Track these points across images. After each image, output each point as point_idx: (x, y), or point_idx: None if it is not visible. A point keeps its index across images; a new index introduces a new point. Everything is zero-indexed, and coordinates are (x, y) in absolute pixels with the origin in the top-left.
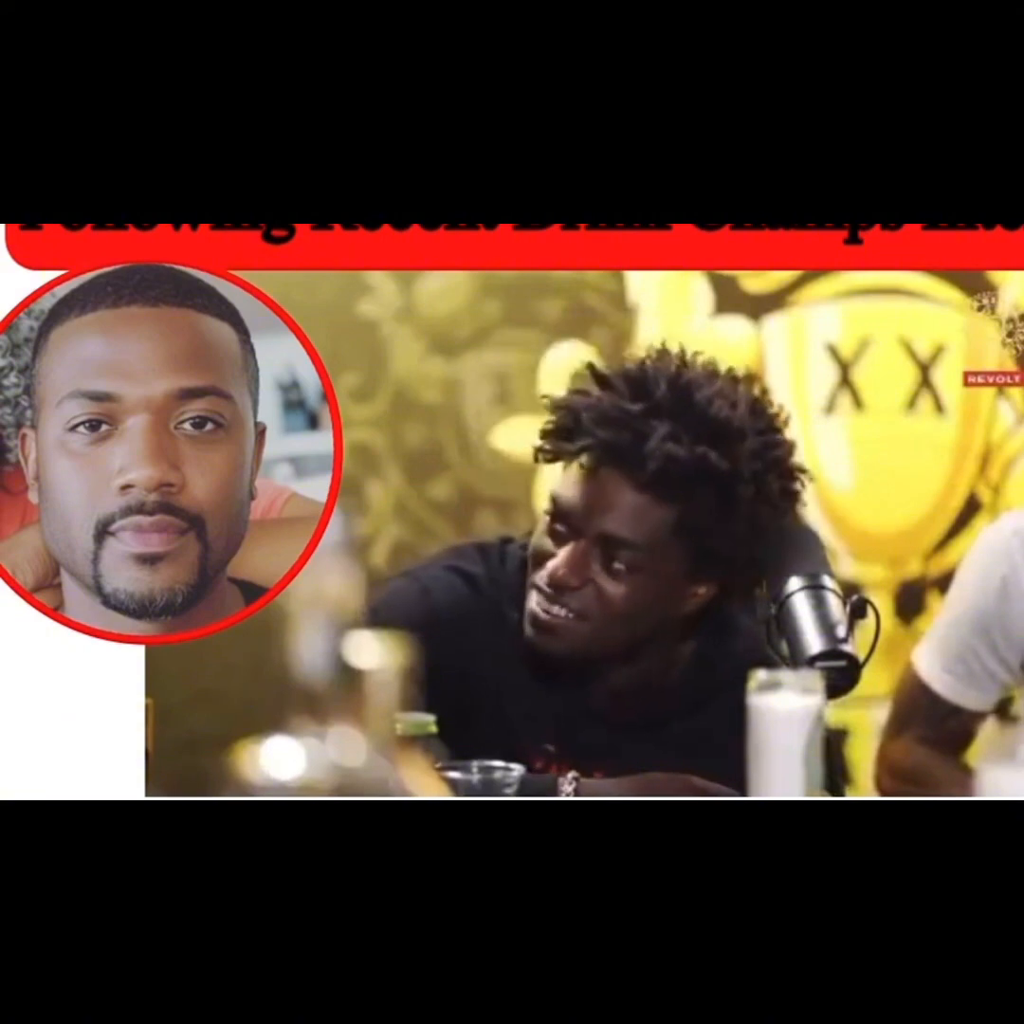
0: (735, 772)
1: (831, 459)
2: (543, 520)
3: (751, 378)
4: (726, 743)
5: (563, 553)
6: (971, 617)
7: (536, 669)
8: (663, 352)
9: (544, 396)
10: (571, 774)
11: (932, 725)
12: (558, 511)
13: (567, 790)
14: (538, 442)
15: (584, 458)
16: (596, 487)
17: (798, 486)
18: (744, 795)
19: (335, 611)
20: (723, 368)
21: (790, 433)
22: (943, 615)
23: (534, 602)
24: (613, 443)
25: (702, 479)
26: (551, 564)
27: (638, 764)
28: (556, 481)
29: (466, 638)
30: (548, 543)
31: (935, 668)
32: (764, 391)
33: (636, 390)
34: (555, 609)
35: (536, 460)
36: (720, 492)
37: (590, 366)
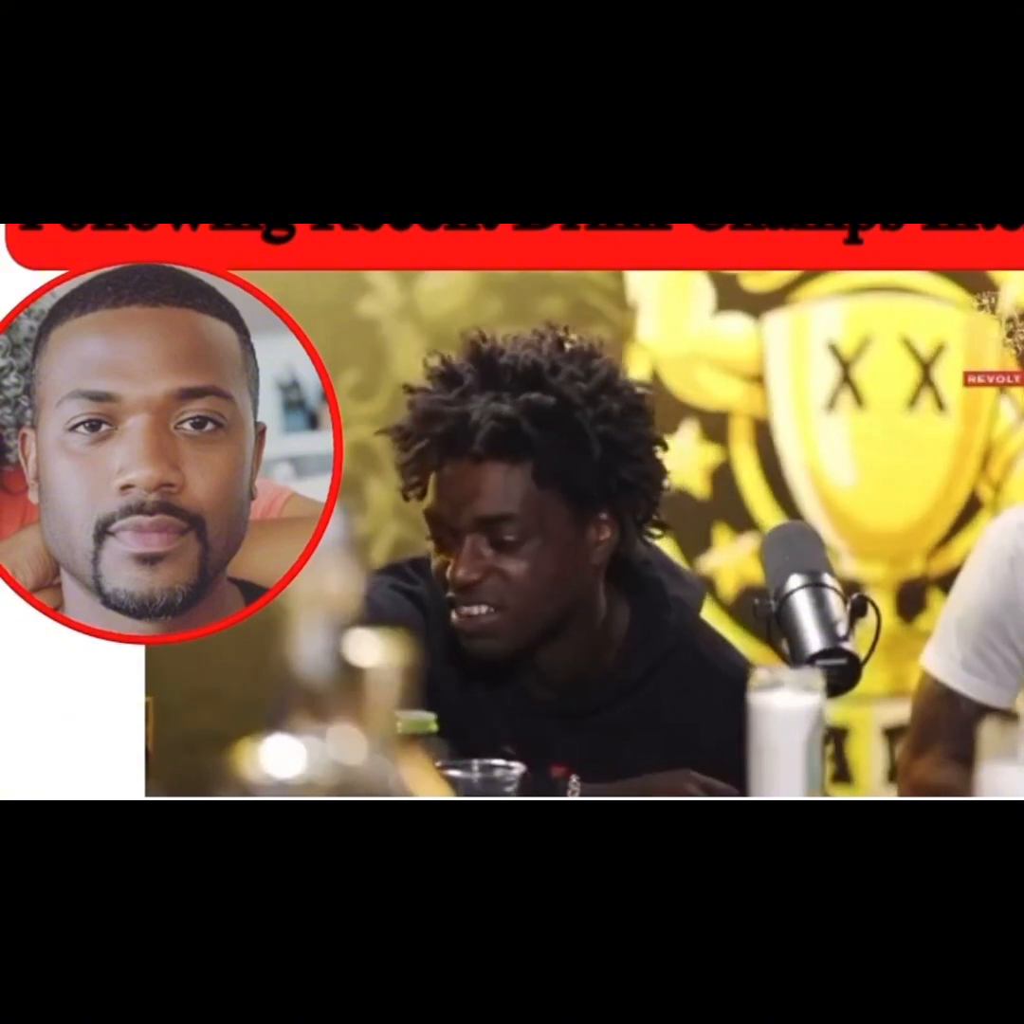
0: (688, 748)
1: (832, 457)
2: (430, 542)
3: (553, 325)
4: (676, 720)
5: (456, 557)
6: (981, 610)
7: (485, 677)
8: (466, 341)
9: (379, 431)
10: (573, 777)
11: (957, 734)
12: (433, 523)
13: (571, 790)
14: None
15: (422, 459)
16: (449, 482)
17: (639, 400)
18: (743, 792)
19: (335, 609)
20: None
21: (608, 356)
22: (950, 616)
23: (454, 617)
24: (443, 434)
25: (537, 423)
26: (450, 572)
27: (600, 753)
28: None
29: (418, 654)
30: (441, 558)
31: (954, 666)
32: (566, 329)
33: (448, 383)
34: (473, 610)
35: (406, 497)
36: (559, 427)
37: (405, 386)
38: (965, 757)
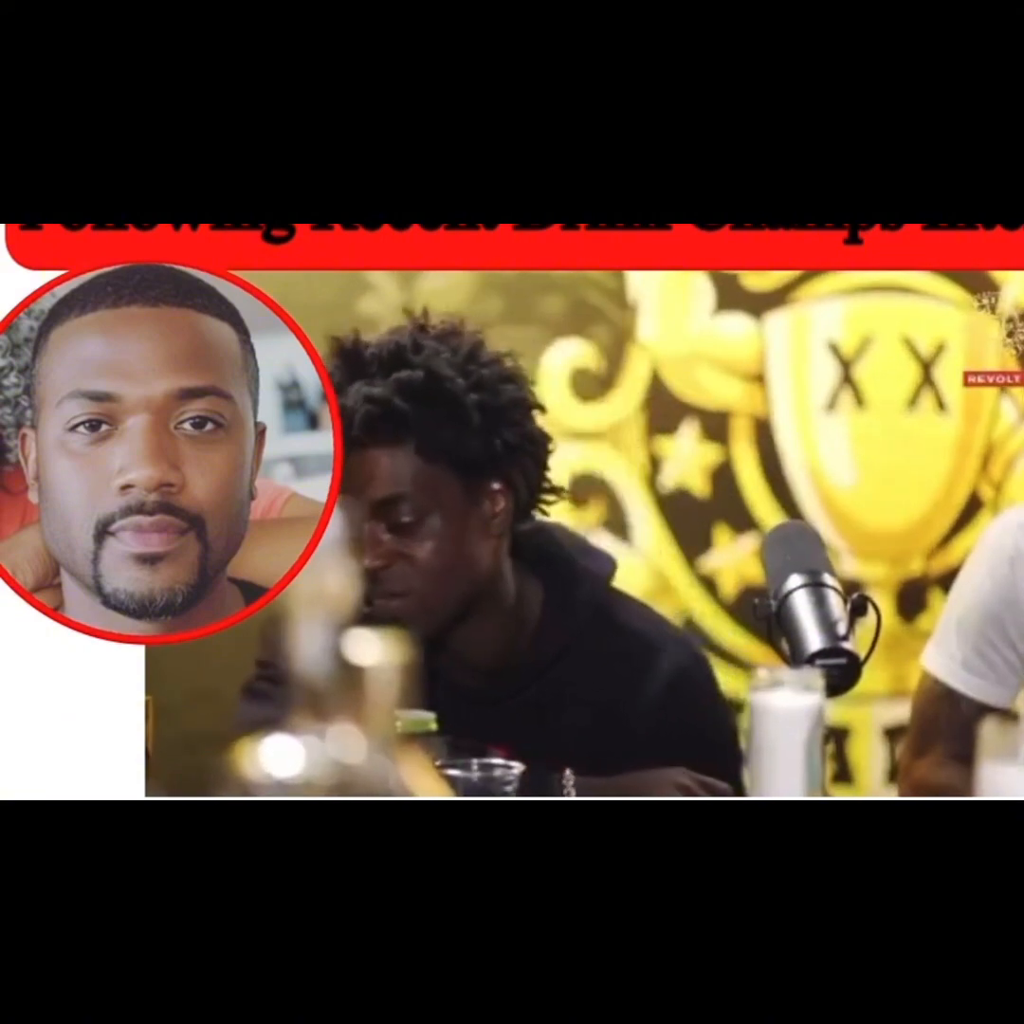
0: (619, 722)
1: (832, 457)
2: None
3: (412, 313)
4: (601, 696)
5: (362, 547)
6: (981, 609)
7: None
8: (330, 341)
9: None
10: (567, 772)
11: (958, 734)
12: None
13: (566, 788)
14: None
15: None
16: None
17: (508, 367)
18: (736, 789)
19: (335, 608)
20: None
21: (471, 330)
22: (952, 613)
23: (366, 611)
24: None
25: (410, 398)
26: (360, 563)
27: (529, 734)
28: None
29: None
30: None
31: (954, 666)
32: (425, 311)
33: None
34: (379, 602)
35: None
36: (434, 400)
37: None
38: (966, 757)
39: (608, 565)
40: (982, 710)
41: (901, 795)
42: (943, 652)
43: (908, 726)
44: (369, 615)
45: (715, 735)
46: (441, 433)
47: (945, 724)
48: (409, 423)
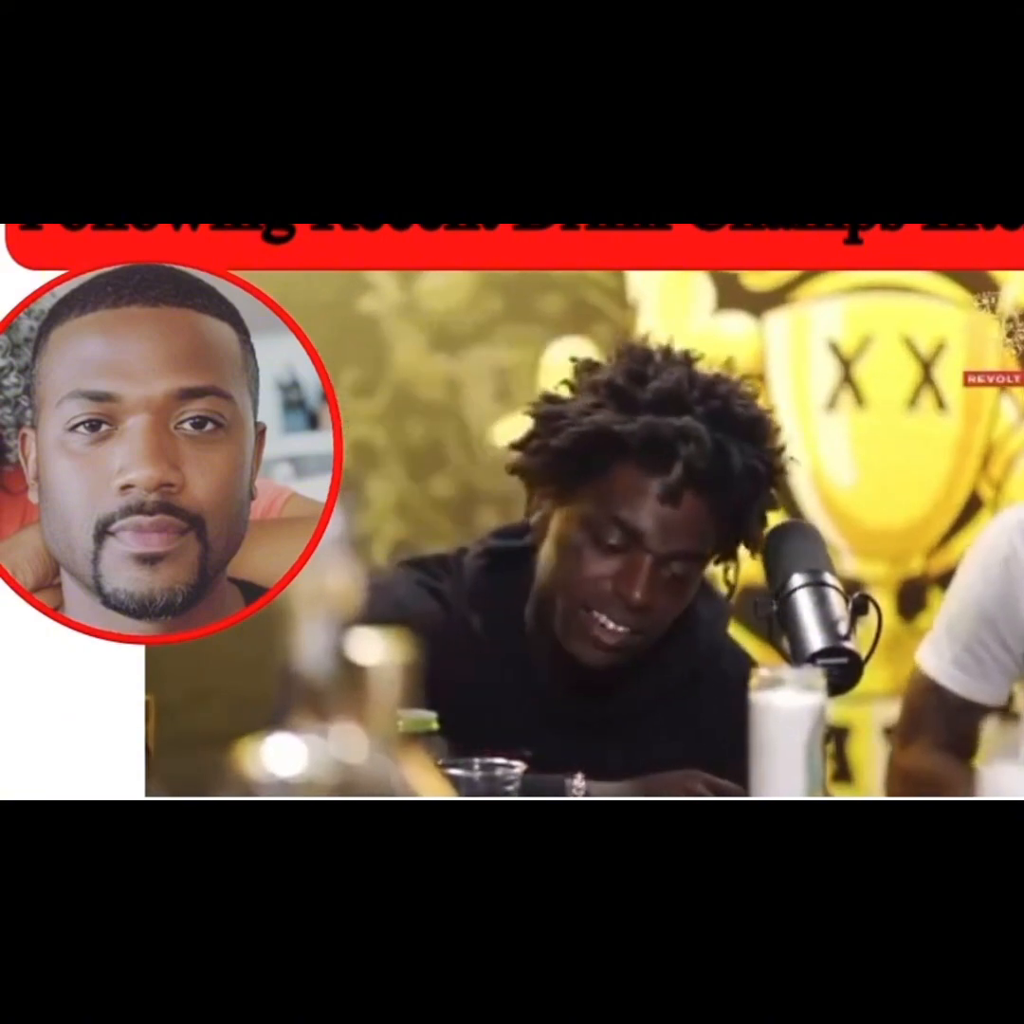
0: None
1: (833, 456)
2: (571, 533)
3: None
4: (689, 734)
5: (629, 574)
6: (975, 609)
7: (577, 685)
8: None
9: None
10: (579, 774)
11: (945, 727)
12: (628, 530)
13: (577, 791)
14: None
15: (673, 480)
16: (684, 511)
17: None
18: (748, 791)
19: (336, 607)
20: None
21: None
22: (947, 610)
23: (598, 620)
24: (703, 465)
25: (728, 472)
26: (629, 589)
27: (608, 756)
28: (619, 499)
29: (439, 651)
30: (591, 556)
31: (944, 664)
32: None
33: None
34: (620, 628)
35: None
36: (733, 472)
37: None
38: (951, 747)
39: (723, 613)
40: (968, 706)
41: (888, 782)
42: (935, 649)
43: (899, 715)
44: (591, 632)
45: None
46: (738, 506)
47: (932, 716)
48: (730, 485)
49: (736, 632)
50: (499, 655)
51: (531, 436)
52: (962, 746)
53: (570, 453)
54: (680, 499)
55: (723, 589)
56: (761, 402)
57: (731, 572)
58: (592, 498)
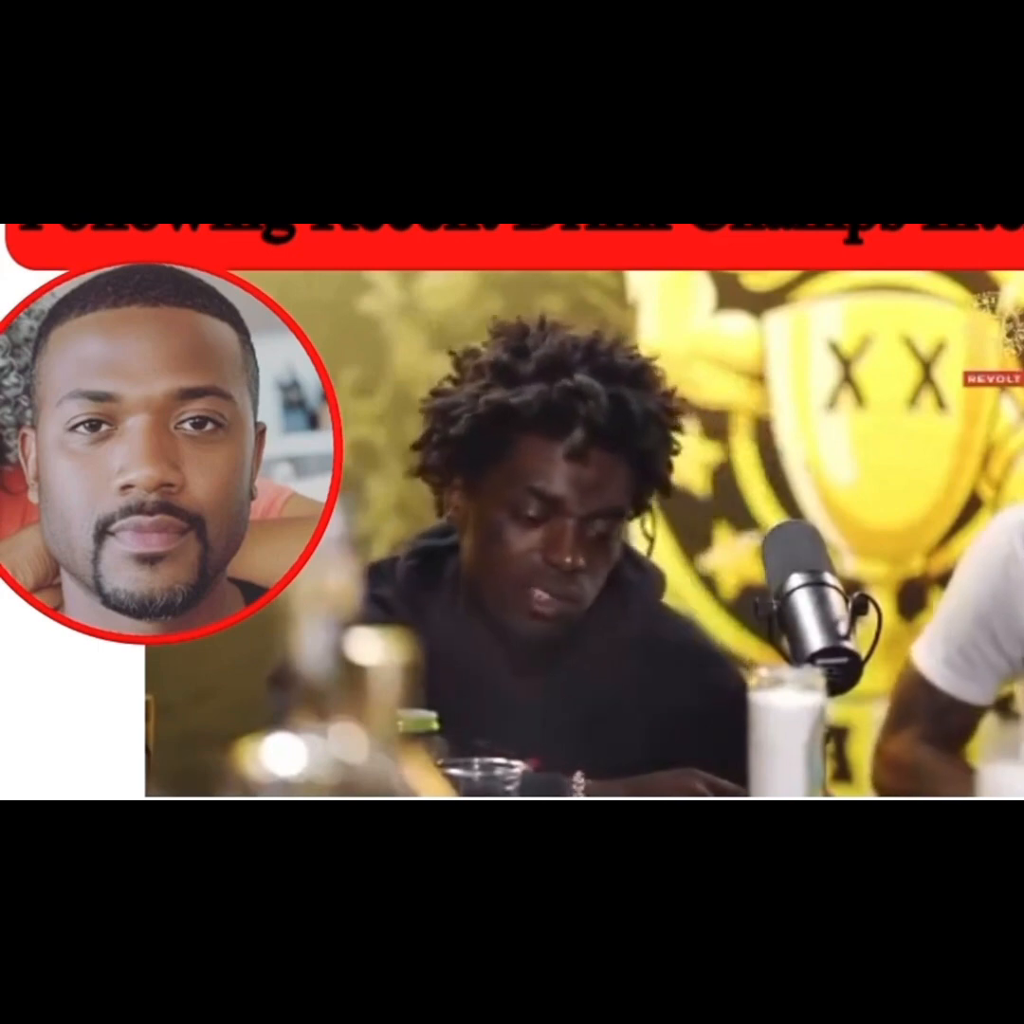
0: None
1: (833, 456)
2: (491, 516)
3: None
4: (645, 705)
5: (564, 540)
6: (972, 609)
7: (529, 661)
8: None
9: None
10: (579, 773)
11: (932, 720)
12: (545, 499)
13: (577, 788)
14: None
15: (578, 440)
16: (596, 468)
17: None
18: (748, 791)
19: (336, 607)
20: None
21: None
22: (943, 609)
23: (535, 594)
24: (603, 420)
25: (630, 420)
26: (559, 555)
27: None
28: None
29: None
30: (514, 533)
31: (935, 661)
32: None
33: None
34: (552, 598)
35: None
36: (635, 420)
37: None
38: (936, 740)
39: (657, 579)
40: (956, 704)
41: (873, 770)
42: (929, 646)
43: (888, 704)
44: (532, 603)
45: None
46: (651, 451)
47: (920, 710)
48: (634, 434)
49: (736, 632)
50: (440, 649)
51: (429, 433)
52: (948, 739)
53: (471, 438)
54: (588, 457)
55: (644, 541)
56: (642, 350)
57: (649, 523)
58: (503, 477)
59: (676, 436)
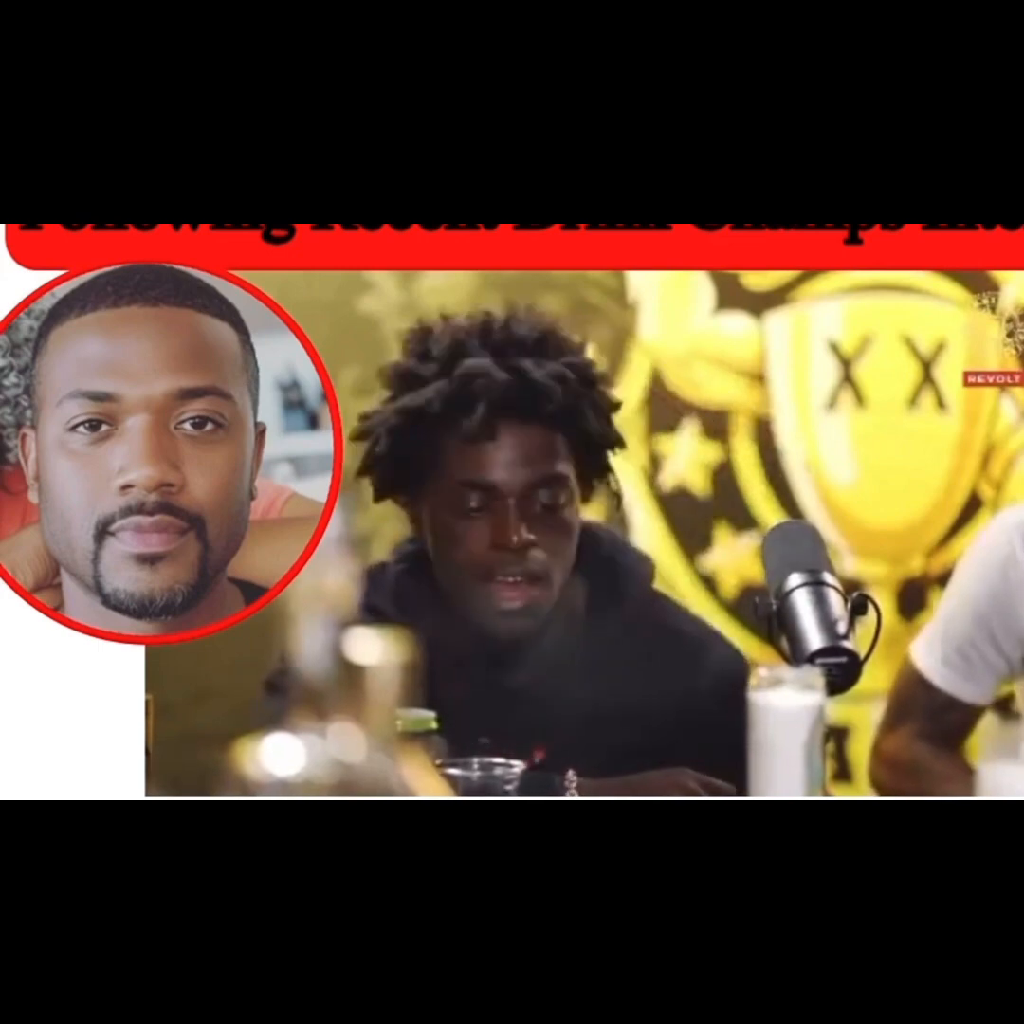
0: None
1: (833, 456)
2: (440, 520)
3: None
4: (644, 692)
5: (507, 520)
6: (970, 608)
7: (516, 660)
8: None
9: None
10: (571, 771)
11: (929, 719)
12: (479, 488)
13: (570, 785)
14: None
15: (477, 418)
16: (516, 441)
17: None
18: (741, 790)
19: (335, 606)
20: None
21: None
22: (942, 608)
23: (495, 589)
24: (501, 393)
25: (532, 387)
26: (506, 535)
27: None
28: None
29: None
30: (463, 529)
31: (933, 660)
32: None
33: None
34: (515, 580)
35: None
36: (538, 385)
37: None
38: (934, 738)
39: (647, 564)
40: (953, 703)
41: (870, 767)
42: (928, 645)
43: (886, 702)
44: (498, 599)
45: None
46: (581, 412)
47: (918, 708)
48: (543, 400)
49: (736, 632)
50: (433, 649)
51: (365, 456)
52: (946, 737)
53: (394, 451)
54: (495, 431)
55: (612, 502)
56: (546, 318)
57: (613, 481)
58: (438, 480)
59: (605, 391)
